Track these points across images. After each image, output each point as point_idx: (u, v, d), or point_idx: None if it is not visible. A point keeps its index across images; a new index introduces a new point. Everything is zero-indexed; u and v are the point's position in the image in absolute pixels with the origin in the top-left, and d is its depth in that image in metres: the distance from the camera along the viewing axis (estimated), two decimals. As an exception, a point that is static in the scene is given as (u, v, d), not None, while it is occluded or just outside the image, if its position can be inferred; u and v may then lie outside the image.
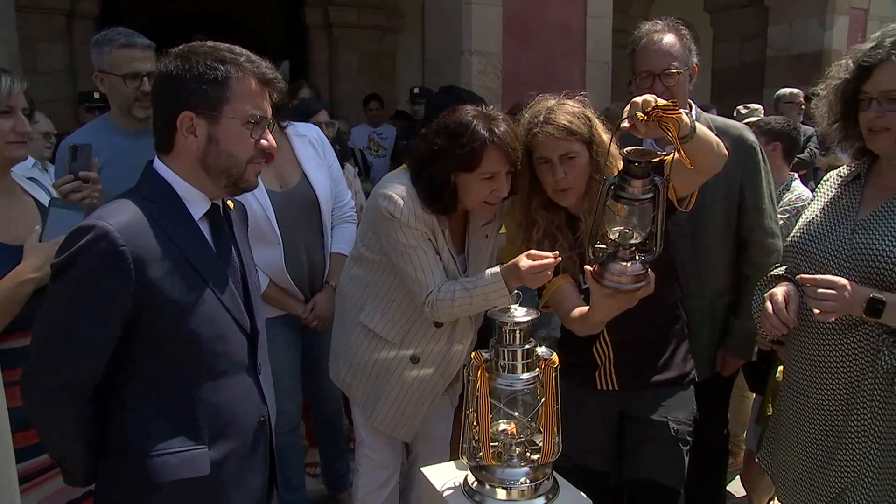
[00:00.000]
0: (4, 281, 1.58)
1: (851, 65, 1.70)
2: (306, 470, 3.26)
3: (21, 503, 1.59)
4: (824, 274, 1.67)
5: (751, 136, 2.28)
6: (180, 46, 1.41)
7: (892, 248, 1.63)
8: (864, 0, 7.21)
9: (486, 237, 2.09)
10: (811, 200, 1.94)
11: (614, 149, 1.72)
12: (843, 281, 1.60)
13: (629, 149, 1.46)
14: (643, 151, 1.45)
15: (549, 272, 1.74)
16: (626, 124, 1.44)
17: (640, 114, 1.41)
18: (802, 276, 1.68)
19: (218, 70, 1.35)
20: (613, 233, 1.50)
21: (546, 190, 1.87)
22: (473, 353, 1.55)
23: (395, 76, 8.62)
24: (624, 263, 1.52)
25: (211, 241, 1.46)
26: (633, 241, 1.51)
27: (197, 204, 1.43)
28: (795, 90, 5.14)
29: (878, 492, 1.70)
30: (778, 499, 2.08)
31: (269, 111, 1.44)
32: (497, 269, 1.85)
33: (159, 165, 1.43)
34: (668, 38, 2.19)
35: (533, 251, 1.77)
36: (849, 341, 1.69)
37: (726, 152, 1.69)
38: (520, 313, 1.51)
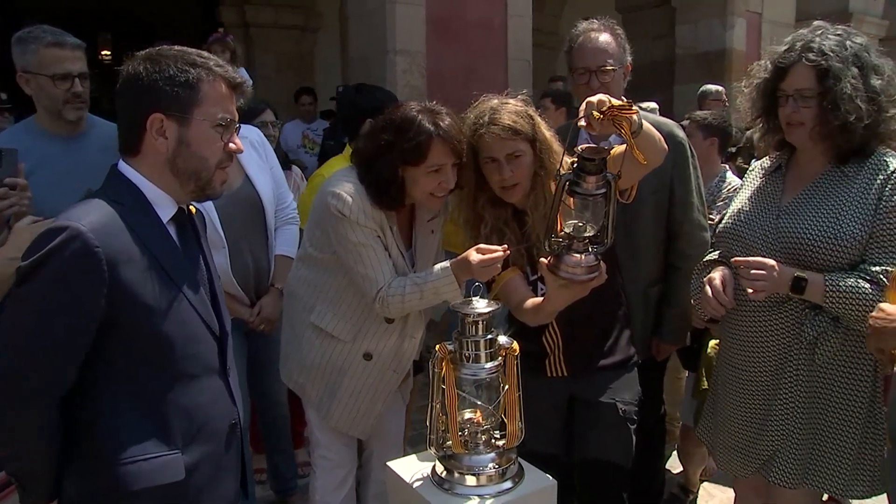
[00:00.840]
0: None
1: (769, 65, 1.85)
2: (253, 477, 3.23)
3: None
4: (754, 256, 1.82)
5: (680, 132, 2.42)
6: (147, 50, 1.41)
7: (811, 231, 1.79)
8: (759, 4, 7.72)
9: (431, 232, 2.13)
10: (740, 189, 2.09)
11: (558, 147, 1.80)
12: (772, 262, 1.75)
13: (584, 147, 1.53)
14: (597, 149, 1.53)
15: (499, 265, 1.80)
16: (582, 122, 1.51)
17: (596, 113, 1.49)
18: (736, 258, 1.82)
19: (189, 73, 1.36)
20: (568, 226, 1.57)
21: (493, 187, 1.92)
22: (438, 345, 1.59)
23: (314, 76, 8.51)
24: (578, 255, 1.60)
25: (178, 244, 1.45)
26: (586, 234, 1.58)
27: (164, 207, 1.43)
28: (720, 87, 5.44)
29: (804, 453, 1.87)
30: (717, 465, 2.24)
31: (237, 115, 1.46)
32: (447, 263, 1.89)
33: (125, 168, 1.42)
34: (604, 37, 2.29)
35: (482, 245, 1.82)
36: (776, 316, 1.84)
37: (666, 147, 1.81)
38: (481, 305, 1.56)
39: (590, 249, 1.61)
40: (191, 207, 1.56)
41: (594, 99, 1.53)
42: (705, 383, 2.47)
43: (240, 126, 2.54)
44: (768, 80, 1.86)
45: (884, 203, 1.74)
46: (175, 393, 1.38)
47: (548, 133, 1.92)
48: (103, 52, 10.31)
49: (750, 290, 1.76)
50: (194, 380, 1.42)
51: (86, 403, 1.35)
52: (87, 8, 8.53)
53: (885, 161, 1.79)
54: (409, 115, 1.90)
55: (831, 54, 1.74)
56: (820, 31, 1.81)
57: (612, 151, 1.82)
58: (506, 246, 1.81)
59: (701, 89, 5.56)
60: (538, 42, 5.83)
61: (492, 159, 1.87)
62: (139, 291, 1.32)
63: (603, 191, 1.53)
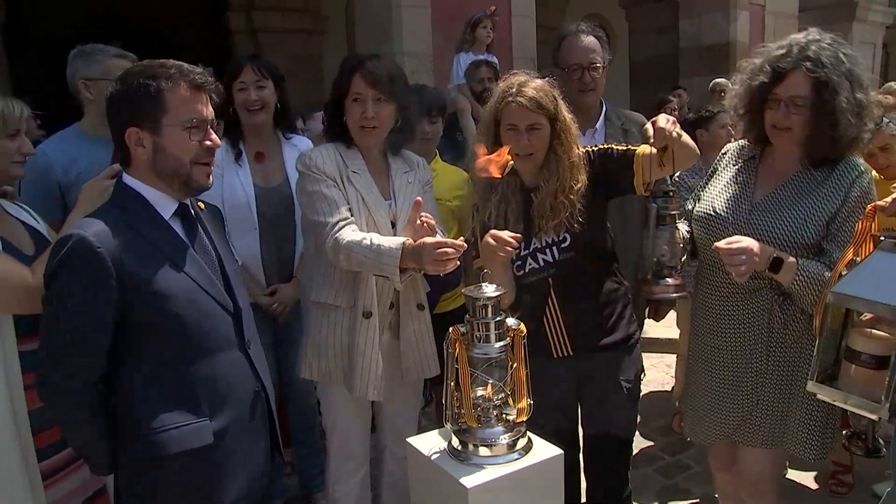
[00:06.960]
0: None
1: (768, 68, 1.91)
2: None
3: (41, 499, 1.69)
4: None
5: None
6: (124, 70, 1.59)
7: (780, 231, 1.92)
8: (761, -4, 7.80)
9: (409, 182, 2.27)
10: (714, 171, 2.20)
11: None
12: (754, 244, 1.83)
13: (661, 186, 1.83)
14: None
15: (455, 262, 1.85)
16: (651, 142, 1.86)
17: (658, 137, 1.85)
18: (717, 245, 1.86)
19: (150, 86, 1.51)
20: (658, 253, 1.82)
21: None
22: (451, 328, 1.72)
23: (323, 79, 8.66)
24: (668, 279, 1.84)
25: (184, 235, 1.62)
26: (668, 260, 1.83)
27: (165, 205, 1.60)
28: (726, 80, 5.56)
29: (776, 418, 2.01)
30: (689, 437, 2.37)
31: (208, 113, 1.60)
32: (401, 241, 1.93)
33: (127, 178, 1.61)
34: (591, 39, 2.53)
35: (443, 239, 1.87)
36: (748, 305, 1.99)
37: (698, 150, 2.00)
38: (490, 289, 1.69)
39: (675, 272, 1.86)
40: (199, 204, 1.73)
41: (665, 125, 1.83)
42: None
43: (292, 136, 2.83)
44: (766, 83, 1.90)
45: (848, 204, 1.86)
46: (197, 366, 1.55)
47: (569, 116, 2.08)
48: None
49: (735, 275, 1.82)
50: (213, 353, 1.59)
51: (120, 385, 1.52)
52: (93, 17, 8.69)
53: (854, 163, 1.91)
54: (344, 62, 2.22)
55: (830, 66, 1.81)
56: (816, 40, 1.87)
57: (638, 152, 2.01)
58: (462, 242, 1.86)
59: (713, 83, 5.66)
60: (542, 39, 5.94)
61: (514, 127, 2.02)
62: (147, 279, 1.48)
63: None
